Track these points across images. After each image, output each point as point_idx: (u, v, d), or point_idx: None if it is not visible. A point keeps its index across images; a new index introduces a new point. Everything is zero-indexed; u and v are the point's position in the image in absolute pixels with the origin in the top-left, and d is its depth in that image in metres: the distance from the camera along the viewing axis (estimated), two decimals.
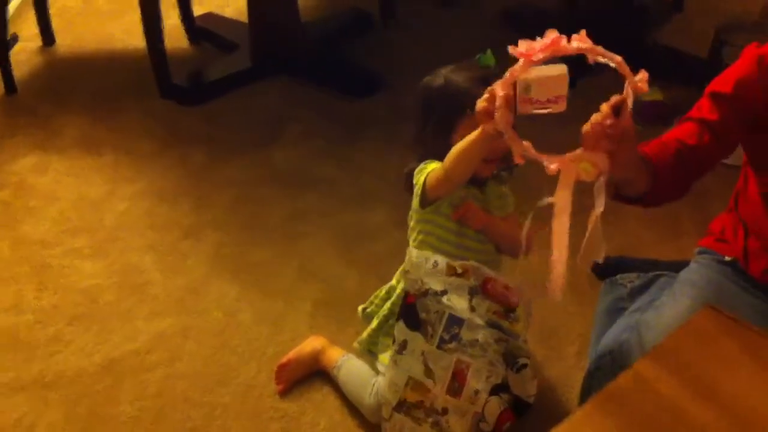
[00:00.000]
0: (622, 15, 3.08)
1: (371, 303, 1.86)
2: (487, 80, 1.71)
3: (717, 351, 1.26)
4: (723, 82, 1.59)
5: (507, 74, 1.36)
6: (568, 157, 1.39)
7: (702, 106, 1.59)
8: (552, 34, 1.34)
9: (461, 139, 1.64)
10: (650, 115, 2.71)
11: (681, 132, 1.59)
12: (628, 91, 1.36)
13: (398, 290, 1.78)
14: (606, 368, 1.67)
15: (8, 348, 2.01)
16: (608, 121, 1.34)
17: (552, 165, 1.39)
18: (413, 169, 1.74)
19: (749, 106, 1.56)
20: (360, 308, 1.88)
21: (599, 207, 1.41)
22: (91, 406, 1.87)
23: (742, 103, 1.56)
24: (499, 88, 1.38)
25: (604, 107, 1.37)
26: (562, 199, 1.43)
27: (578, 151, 1.39)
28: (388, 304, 1.79)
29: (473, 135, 1.57)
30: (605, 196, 1.41)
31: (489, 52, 1.75)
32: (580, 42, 1.35)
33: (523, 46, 1.34)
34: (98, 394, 1.89)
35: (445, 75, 1.75)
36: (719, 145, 1.59)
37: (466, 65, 1.76)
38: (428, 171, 1.69)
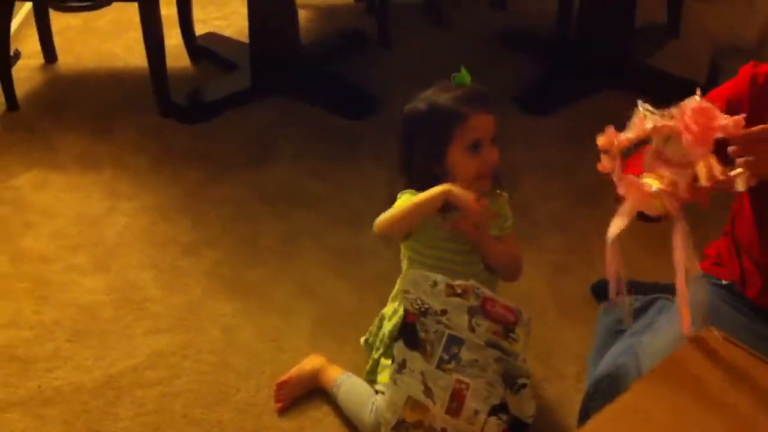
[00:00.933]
0: (617, 38, 3.12)
1: (370, 333, 1.89)
2: (470, 97, 1.73)
3: (713, 373, 1.27)
4: (716, 98, 1.61)
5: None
6: (645, 190, 1.32)
7: None
8: (739, 123, 1.26)
9: (458, 157, 1.68)
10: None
11: None
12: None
13: (389, 317, 1.82)
14: (604, 391, 1.67)
15: (7, 363, 2.01)
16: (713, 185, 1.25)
17: (620, 189, 1.34)
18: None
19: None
20: (362, 340, 1.92)
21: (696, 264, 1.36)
22: (89, 422, 1.87)
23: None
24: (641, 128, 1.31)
25: (716, 170, 1.25)
26: (613, 226, 1.39)
27: (659, 188, 1.30)
28: (382, 334, 1.82)
29: (434, 191, 1.67)
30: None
31: (463, 70, 1.78)
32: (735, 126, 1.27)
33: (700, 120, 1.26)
34: (97, 410, 1.90)
35: (427, 99, 1.76)
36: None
37: (444, 86, 1.78)
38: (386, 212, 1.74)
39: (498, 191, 1.83)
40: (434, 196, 1.68)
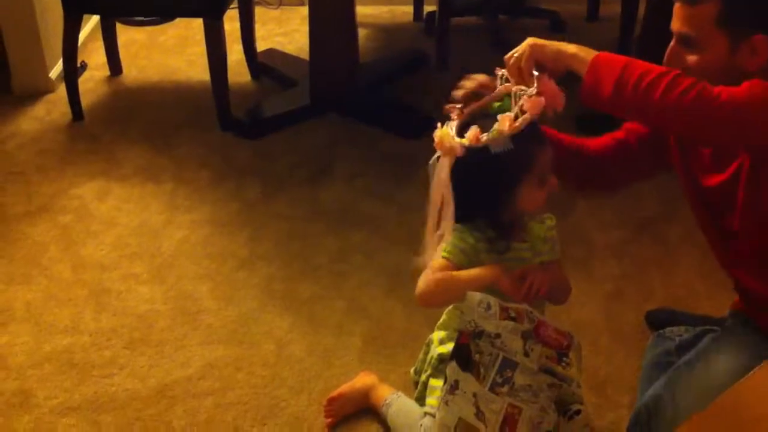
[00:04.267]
0: None
1: (419, 361, 1.89)
2: (532, 134, 1.68)
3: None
4: None
5: None
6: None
7: None
8: None
9: (527, 193, 1.64)
10: None
11: (594, 143, 1.81)
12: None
13: (438, 343, 1.80)
14: (642, 423, 1.67)
15: (64, 369, 2.06)
16: None
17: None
18: None
19: None
20: (411, 371, 1.92)
21: None
22: (143, 429, 1.90)
23: None
24: None
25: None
26: None
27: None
28: (430, 357, 1.82)
29: (484, 275, 1.64)
30: None
31: (506, 99, 1.71)
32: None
33: None
34: (150, 418, 1.92)
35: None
36: (634, 153, 1.77)
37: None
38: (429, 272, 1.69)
39: (545, 215, 1.80)
40: (485, 278, 1.65)
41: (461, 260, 1.69)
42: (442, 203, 1.65)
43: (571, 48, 1.57)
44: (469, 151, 1.62)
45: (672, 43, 1.58)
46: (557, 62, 1.58)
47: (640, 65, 1.48)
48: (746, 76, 1.49)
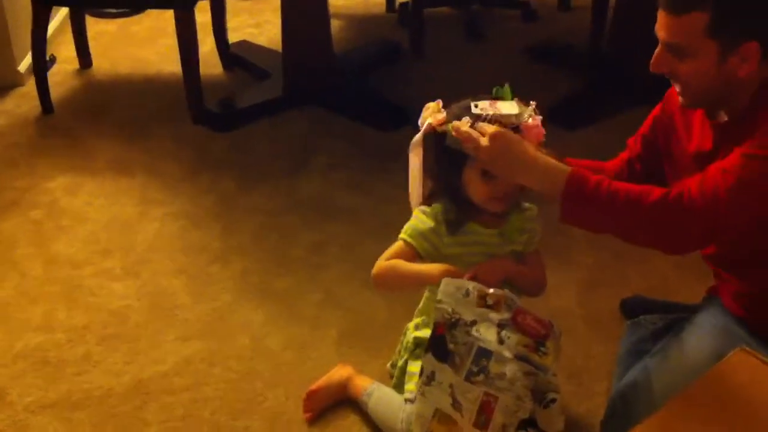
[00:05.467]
0: (650, 54, 3.09)
1: (396, 352, 1.89)
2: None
3: (747, 397, 1.25)
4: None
5: None
6: None
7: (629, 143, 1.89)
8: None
9: (471, 177, 1.65)
10: None
11: (609, 165, 1.86)
12: None
13: (414, 328, 1.82)
14: (618, 412, 1.68)
15: (37, 366, 2.03)
16: None
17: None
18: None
19: (658, 141, 1.79)
20: (388, 365, 1.93)
21: None
22: (118, 426, 1.88)
23: (653, 137, 1.81)
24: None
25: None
26: None
27: None
28: (406, 341, 1.82)
29: (433, 271, 1.67)
30: None
31: (507, 87, 1.72)
32: None
33: None
34: (125, 415, 1.91)
35: (452, 114, 1.70)
36: (639, 177, 1.79)
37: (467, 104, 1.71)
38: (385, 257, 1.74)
39: (526, 205, 1.80)
40: (431, 276, 1.68)
41: (421, 245, 1.71)
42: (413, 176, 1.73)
43: (533, 177, 1.61)
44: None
45: (658, 49, 1.56)
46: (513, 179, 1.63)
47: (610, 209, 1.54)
48: (736, 81, 1.52)
